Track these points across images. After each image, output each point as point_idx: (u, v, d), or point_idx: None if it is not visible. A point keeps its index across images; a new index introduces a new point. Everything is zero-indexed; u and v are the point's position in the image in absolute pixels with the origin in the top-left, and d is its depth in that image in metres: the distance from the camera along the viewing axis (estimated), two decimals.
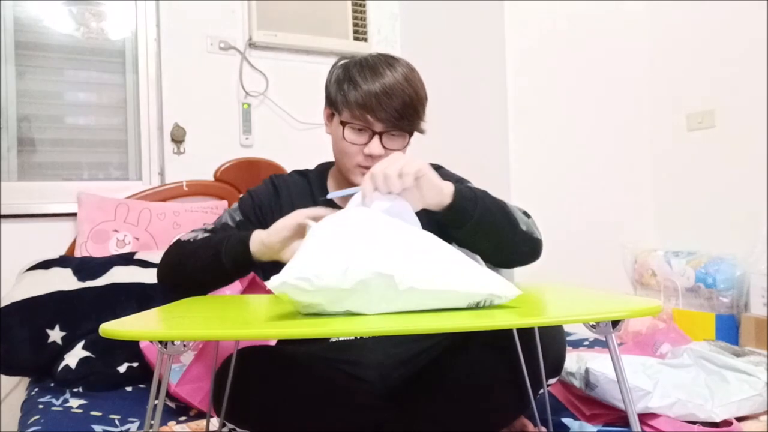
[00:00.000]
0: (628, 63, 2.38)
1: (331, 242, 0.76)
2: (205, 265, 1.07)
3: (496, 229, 1.05)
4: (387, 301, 0.73)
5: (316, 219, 0.90)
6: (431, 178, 0.98)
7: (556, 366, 1.07)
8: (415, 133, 1.18)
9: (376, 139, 1.12)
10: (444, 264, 0.77)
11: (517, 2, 2.17)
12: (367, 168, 1.09)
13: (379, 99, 1.08)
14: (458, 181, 1.15)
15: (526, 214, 1.12)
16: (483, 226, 1.03)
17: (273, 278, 0.70)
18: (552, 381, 1.08)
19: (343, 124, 1.13)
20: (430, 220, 0.99)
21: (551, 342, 1.03)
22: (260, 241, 1.02)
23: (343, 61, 1.18)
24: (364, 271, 0.71)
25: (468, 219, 1.01)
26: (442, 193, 1.00)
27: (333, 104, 1.16)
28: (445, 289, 0.74)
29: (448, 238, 0.93)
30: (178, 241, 1.15)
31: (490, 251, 1.06)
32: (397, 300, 0.73)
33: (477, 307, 0.75)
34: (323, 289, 0.70)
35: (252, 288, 1.29)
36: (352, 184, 1.15)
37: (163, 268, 1.15)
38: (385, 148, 1.12)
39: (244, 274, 1.10)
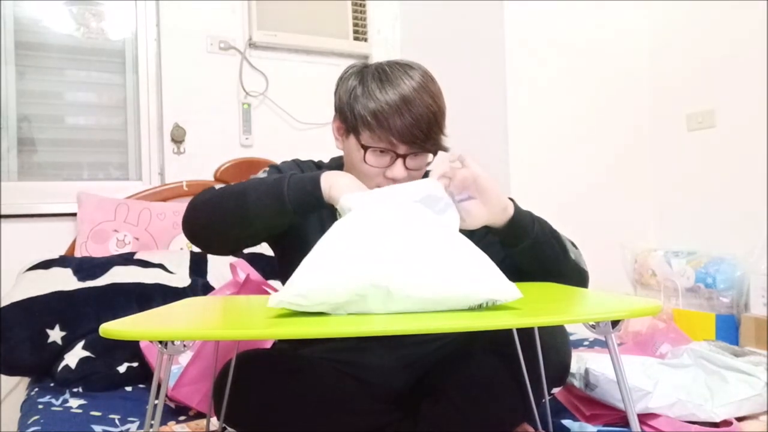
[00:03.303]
0: (628, 63, 2.38)
1: (330, 253, 0.77)
2: (259, 198, 0.98)
3: (549, 252, 1.02)
4: (385, 306, 0.74)
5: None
6: (497, 191, 0.97)
7: (560, 374, 1.07)
8: None
9: (399, 162, 1.02)
10: (444, 266, 0.77)
11: (517, 2, 2.17)
12: None
13: (403, 120, 0.99)
14: None
15: (573, 244, 1.09)
16: (538, 247, 1.01)
17: (271, 296, 0.73)
18: (556, 390, 1.07)
19: (365, 148, 1.02)
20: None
21: (555, 349, 1.02)
22: (330, 185, 0.95)
23: (354, 69, 1.07)
24: (359, 283, 0.73)
25: (526, 237, 1.00)
26: (504, 205, 0.98)
27: (348, 121, 1.05)
28: (442, 295, 0.74)
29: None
30: (212, 188, 1.05)
31: (539, 275, 1.04)
32: (395, 306, 0.74)
33: (479, 309, 0.76)
34: (319, 304, 0.73)
35: (250, 287, 1.28)
36: None
37: (197, 205, 1.03)
38: (407, 169, 1.04)
39: (309, 211, 1.00)
